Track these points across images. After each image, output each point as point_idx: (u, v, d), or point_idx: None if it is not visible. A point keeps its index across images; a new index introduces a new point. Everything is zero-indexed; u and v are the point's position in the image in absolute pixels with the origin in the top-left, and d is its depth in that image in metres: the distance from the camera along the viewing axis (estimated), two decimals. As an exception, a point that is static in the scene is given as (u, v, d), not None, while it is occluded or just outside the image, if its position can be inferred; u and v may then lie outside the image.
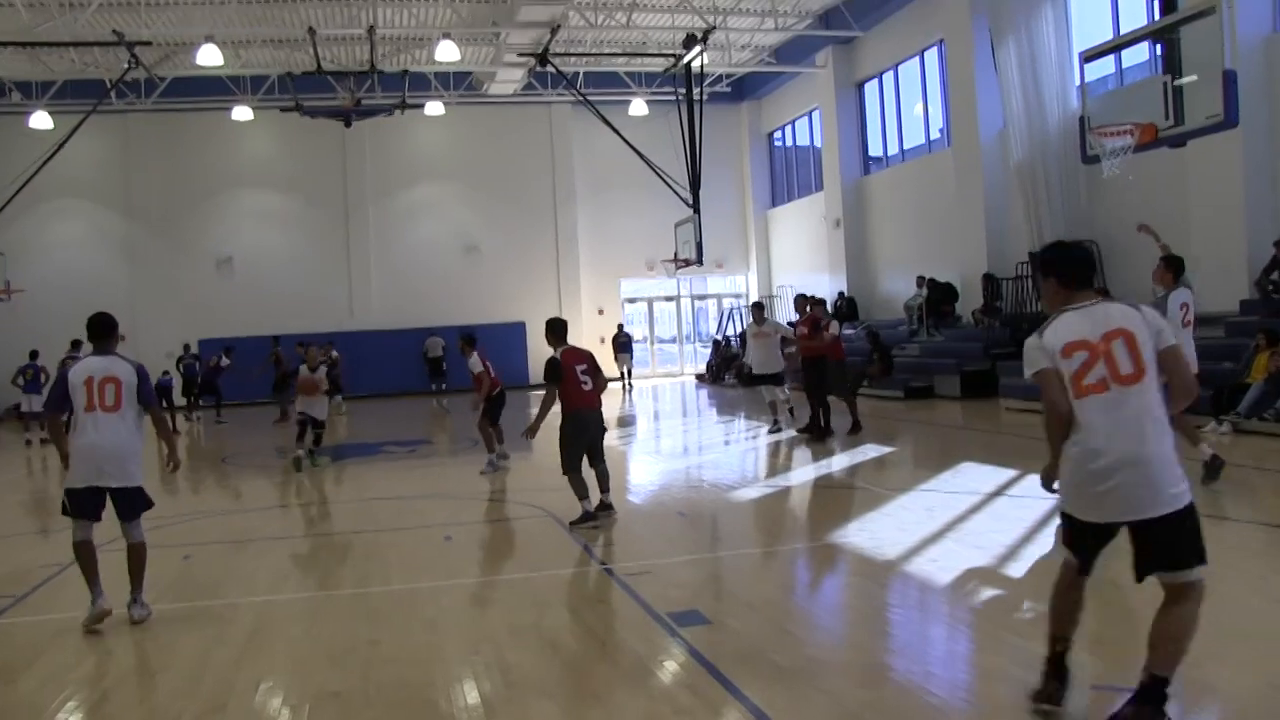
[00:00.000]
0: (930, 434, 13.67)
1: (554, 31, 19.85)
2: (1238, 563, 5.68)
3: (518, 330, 27.00)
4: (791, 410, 13.35)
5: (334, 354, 23.50)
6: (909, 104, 22.81)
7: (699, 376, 27.42)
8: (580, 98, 21.18)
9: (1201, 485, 7.49)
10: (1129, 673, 3.54)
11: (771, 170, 30.16)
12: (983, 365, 17.08)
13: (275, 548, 7.97)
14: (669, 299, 30.45)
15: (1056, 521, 6.55)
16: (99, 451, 5.39)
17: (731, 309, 29.04)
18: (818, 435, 12.38)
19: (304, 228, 27.37)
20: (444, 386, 22.97)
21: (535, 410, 7.88)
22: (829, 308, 20.29)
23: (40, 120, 22.01)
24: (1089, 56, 12.31)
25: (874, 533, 7.05)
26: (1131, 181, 12.45)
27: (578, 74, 23.44)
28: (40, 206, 24.40)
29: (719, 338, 27.86)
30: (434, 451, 14.57)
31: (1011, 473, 9.24)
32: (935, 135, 21.65)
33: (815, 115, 26.27)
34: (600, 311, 28.63)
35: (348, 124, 22.08)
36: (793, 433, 12.86)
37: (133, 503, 5.54)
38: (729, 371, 24.87)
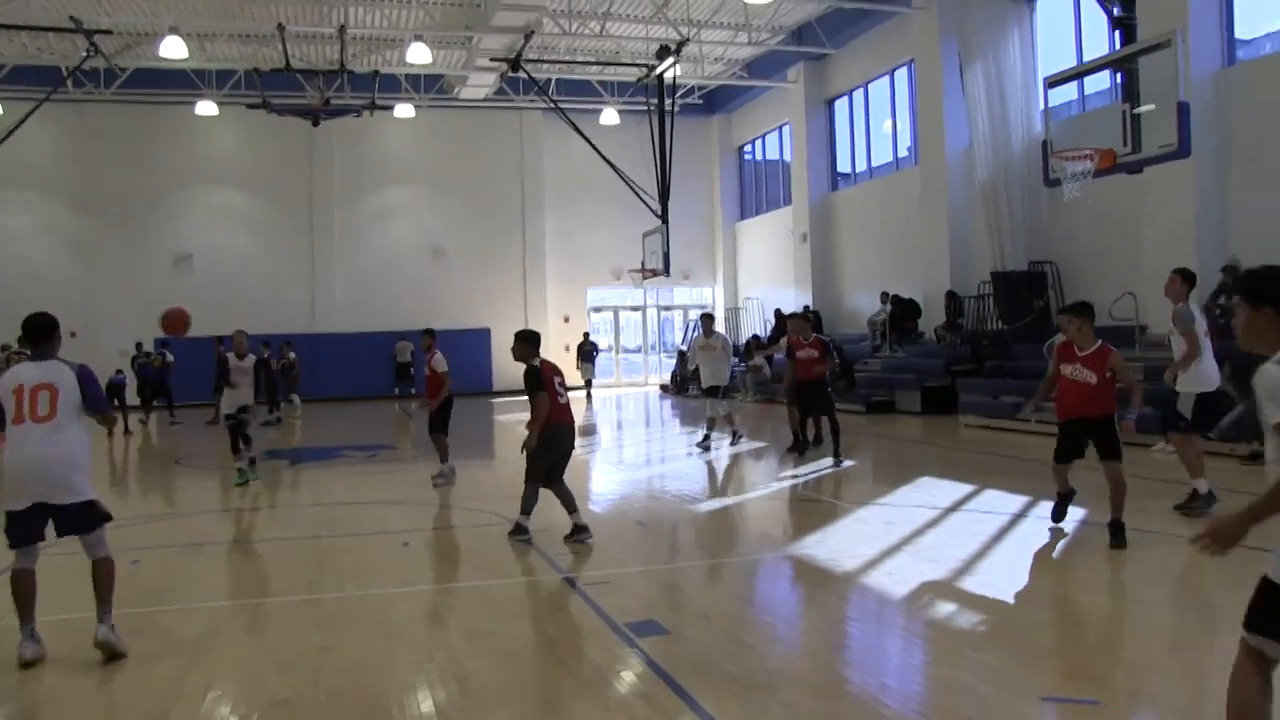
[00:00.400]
0: (890, 448, 13.80)
1: (528, 38, 19.84)
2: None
3: (482, 336, 26.90)
4: (732, 421, 13.71)
5: (291, 355, 23.19)
6: (878, 121, 23.11)
7: (663, 387, 27.47)
8: (551, 104, 21.16)
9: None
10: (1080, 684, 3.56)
11: (740, 183, 30.36)
12: (943, 381, 17.30)
13: (227, 552, 7.83)
14: (635, 309, 30.49)
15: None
16: (31, 468, 4.78)
17: (697, 321, 29.15)
18: (802, 449, 12.45)
19: (267, 227, 26.99)
20: (411, 391, 22.79)
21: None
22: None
23: (-14, 105, 21.41)
24: (1053, 82, 12.57)
25: (832, 545, 7.09)
26: (1090, 205, 12.71)
27: (550, 81, 23.43)
28: (-13, 197, 23.80)
29: (684, 348, 27.93)
30: (395, 457, 14.38)
31: (969, 488, 9.35)
32: (903, 153, 21.94)
33: (785, 130, 26.51)
34: (566, 319, 28.60)
35: (315, 123, 21.78)
36: (730, 441, 13.41)
37: (82, 519, 4.90)
38: (693, 383, 24.90)
